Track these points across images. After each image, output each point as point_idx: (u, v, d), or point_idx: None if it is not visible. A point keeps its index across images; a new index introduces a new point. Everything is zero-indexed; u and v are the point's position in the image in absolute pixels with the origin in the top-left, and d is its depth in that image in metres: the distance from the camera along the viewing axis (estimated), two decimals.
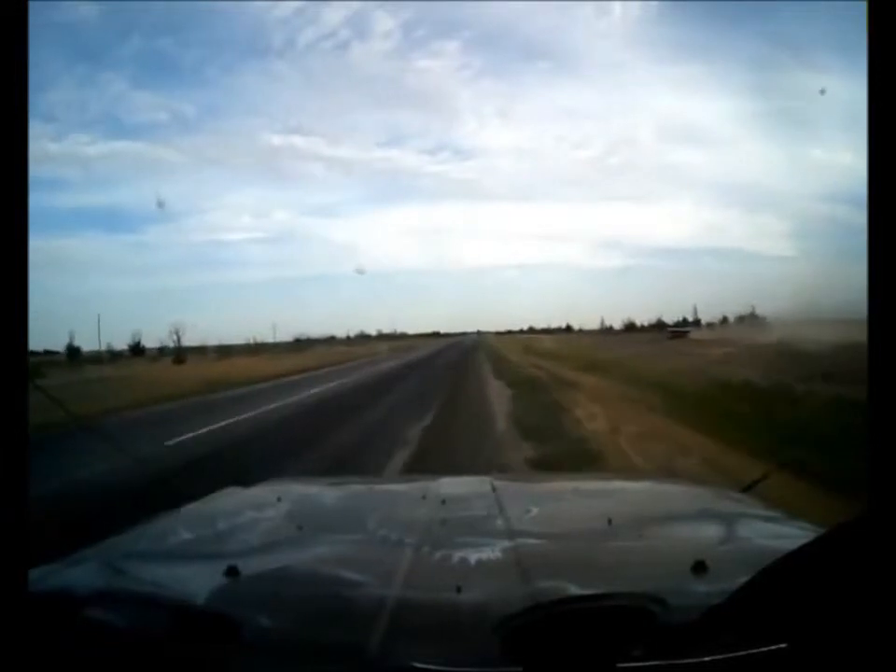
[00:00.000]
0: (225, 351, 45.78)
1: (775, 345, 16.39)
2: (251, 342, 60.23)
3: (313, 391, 12.85)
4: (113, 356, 40.38)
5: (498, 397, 10.43)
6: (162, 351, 42.55)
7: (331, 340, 77.09)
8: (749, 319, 51.11)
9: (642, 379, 11.51)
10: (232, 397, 12.65)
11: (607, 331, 75.70)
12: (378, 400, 10.36)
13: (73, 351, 38.93)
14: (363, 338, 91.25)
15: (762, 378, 9.08)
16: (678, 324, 64.35)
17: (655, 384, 10.39)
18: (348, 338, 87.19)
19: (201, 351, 46.06)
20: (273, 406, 10.21)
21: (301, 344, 61.30)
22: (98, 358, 36.35)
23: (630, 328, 71.86)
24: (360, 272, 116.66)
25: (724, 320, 58.56)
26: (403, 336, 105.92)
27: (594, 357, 20.45)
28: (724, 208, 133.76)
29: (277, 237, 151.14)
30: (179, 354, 37.63)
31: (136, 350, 44.55)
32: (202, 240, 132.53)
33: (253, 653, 0.62)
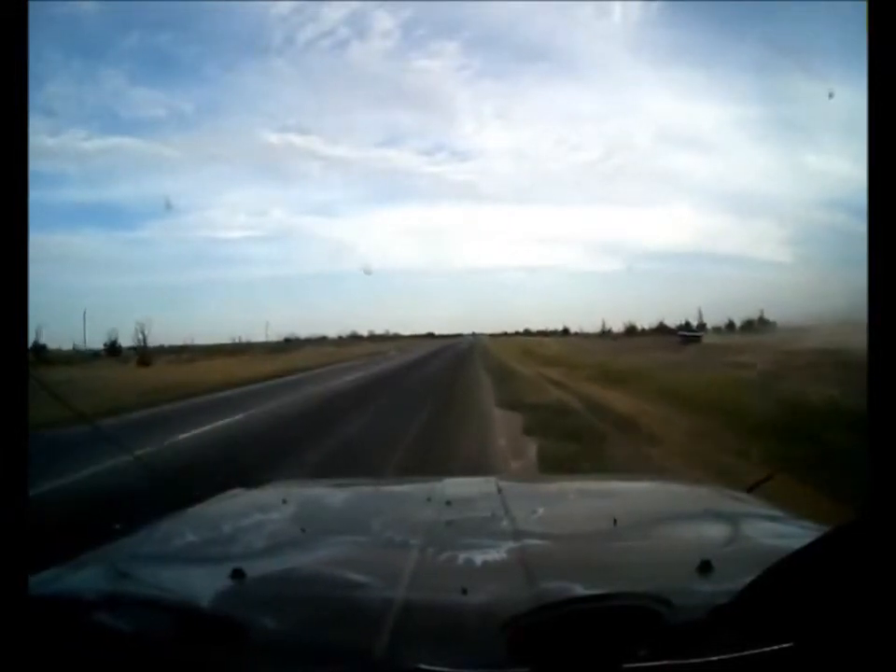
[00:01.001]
0: (207, 351, 44.75)
1: (830, 353, 13.31)
2: (237, 340, 60.12)
3: (250, 412, 9.26)
4: (81, 355, 39.34)
5: (515, 463, 5.49)
6: (137, 350, 41.23)
7: (323, 340, 77.05)
8: (758, 324, 51.45)
9: (701, 403, 8.00)
10: (141, 420, 8.89)
11: (606, 334, 75.78)
12: (316, 438, 6.72)
13: (38, 349, 37.76)
14: (354, 338, 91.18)
15: (850, 398, 6.00)
16: (681, 327, 64.29)
17: (725, 412, 7.18)
18: (340, 338, 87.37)
19: (181, 351, 45.24)
20: (170, 442, 6.64)
21: (289, 344, 61.27)
22: (68, 358, 35.59)
23: (631, 331, 71.85)
24: (367, 271, 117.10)
25: (731, 324, 58.84)
26: (396, 337, 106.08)
27: (610, 364, 17.34)
28: (723, 213, 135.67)
29: (274, 235, 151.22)
30: (144, 355, 35.58)
31: (112, 349, 43.59)
32: (198, 237, 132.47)
33: (259, 656, 0.63)
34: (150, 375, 21.29)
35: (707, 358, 18.30)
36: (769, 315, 53.57)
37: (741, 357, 17.11)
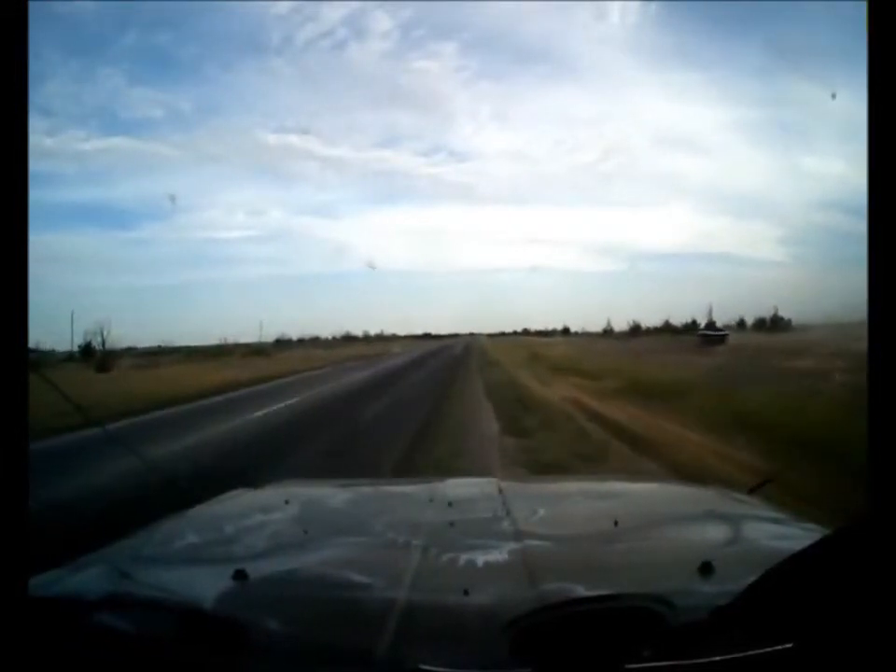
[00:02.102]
0: (189, 353, 43.29)
1: None
2: (224, 342, 59.52)
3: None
4: (47, 357, 37.75)
5: None
6: (101, 353, 37.67)
7: (315, 340, 76.99)
8: (771, 322, 51.03)
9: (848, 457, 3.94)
10: None
11: (608, 334, 75.15)
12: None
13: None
14: (348, 339, 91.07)
15: None
16: (687, 327, 63.77)
17: None
18: (334, 339, 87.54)
19: (171, 352, 44.09)
20: None
21: (278, 346, 61.19)
22: (33, 362, 33.34)
23: (635, 330, 70.99)
24: (371, 266, 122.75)
25: (741, 323, 58.33)
26: (393, 337, 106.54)
27: (640, 373, 13.40)
28: (721, 214, 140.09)
29: (272, 235, 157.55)
30: (104, 359, 32.77)
31: (87, 352, 41.54)
32: (197, 237, 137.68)
33: (261, 657, 0.64)
34: (80, 386, 15.52)
35: (754, 364, 14.68)
36: (783, 314, 53.59)
37: (799, 363, 13.83)
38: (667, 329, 65.61)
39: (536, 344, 45.76)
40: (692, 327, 62.75)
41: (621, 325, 75.39)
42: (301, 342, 72.97)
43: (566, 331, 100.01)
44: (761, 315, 56.28)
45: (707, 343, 33.87)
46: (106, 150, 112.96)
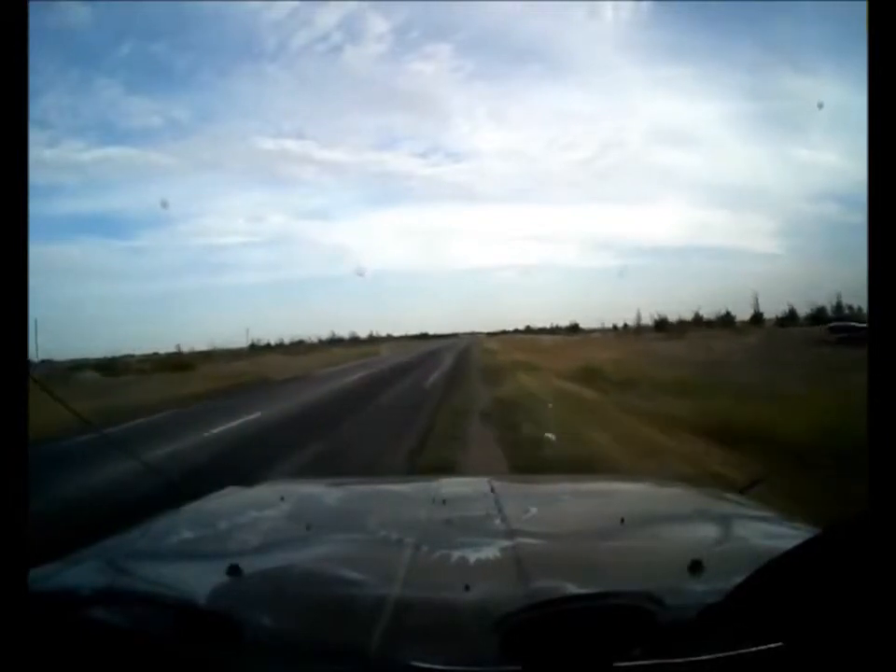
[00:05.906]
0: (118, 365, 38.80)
1: None
2: (179, 349, 55.27)
3: None
4: None
5: None
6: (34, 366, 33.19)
7: (299, 344, 74.76)
8: (833, 312, 47.07)
9: None
10: None
11: (627, 329, 71.35)
12: None
13: None
14: (333, 342, 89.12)
15: None
16: (722, 319, 61.05)
17: None
18: (320, 341, 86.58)
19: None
20: None
21: (254, 351, 59.08)
22: None
23: (661, 325, 66.86)
24: (360, 273, 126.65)
25: (792, 314, 54.31)
26: (388, 338, 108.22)
27: None
28: (717, 207, 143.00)
29: (270, 240, 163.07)
30: None
31: None
32: (196, 244, 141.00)
33: (254, 653, 0.68)
34: None
35: None
36: (848, 301, 49.09)
37: None
38: (698, 322, 62.00)
39: (556, 347, 33.33)
40: (728, 319, 60.54)
41: (629, 319, 72.30)
42: (280, 346, 70.35)
43: (574, 329, 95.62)
44: (818, 304, 51.61)
45: (849, 343, 21.34)
46: (105, 160, 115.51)
